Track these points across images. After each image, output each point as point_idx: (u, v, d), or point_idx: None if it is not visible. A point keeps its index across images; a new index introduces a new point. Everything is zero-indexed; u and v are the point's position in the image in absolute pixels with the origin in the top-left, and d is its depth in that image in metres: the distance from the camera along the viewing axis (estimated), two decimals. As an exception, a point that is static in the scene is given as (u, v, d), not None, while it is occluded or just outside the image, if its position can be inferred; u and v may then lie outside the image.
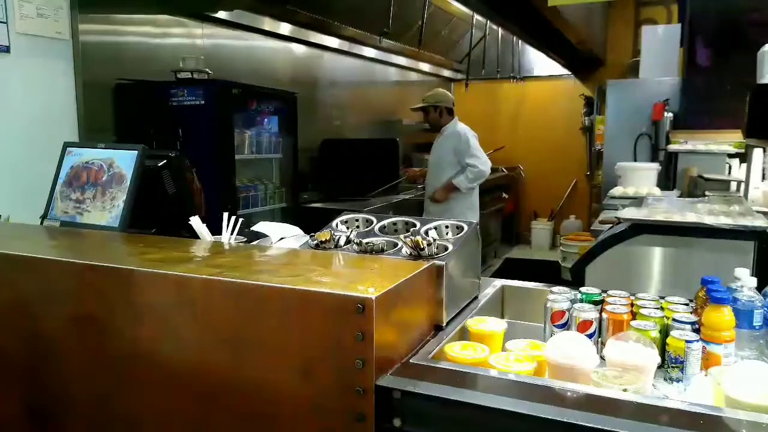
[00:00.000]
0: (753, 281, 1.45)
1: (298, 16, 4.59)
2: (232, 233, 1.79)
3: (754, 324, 1.39)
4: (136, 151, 1.93)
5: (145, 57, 3.57)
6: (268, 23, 4.55)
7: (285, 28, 4.74)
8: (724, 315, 1.33)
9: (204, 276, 1.34)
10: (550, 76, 7.95)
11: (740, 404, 1.09)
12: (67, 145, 2.15)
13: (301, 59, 5.16)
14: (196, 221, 1.75)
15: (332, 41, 5.35)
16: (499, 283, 1.92)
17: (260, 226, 1.75)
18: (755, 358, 1.37)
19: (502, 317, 1.85)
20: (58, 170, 2.11)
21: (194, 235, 1.81)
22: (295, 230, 1.76)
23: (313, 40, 5.12)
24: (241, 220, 1.81)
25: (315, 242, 1.61)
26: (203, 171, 2.44)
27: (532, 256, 7.76)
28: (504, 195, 7.55)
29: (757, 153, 3.99)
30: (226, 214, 1.81)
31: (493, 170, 7.41)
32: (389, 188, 5.12)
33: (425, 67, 7.36)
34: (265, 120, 3.91)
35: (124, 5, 3.43)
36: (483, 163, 4.23)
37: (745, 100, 3.43)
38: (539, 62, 7.86)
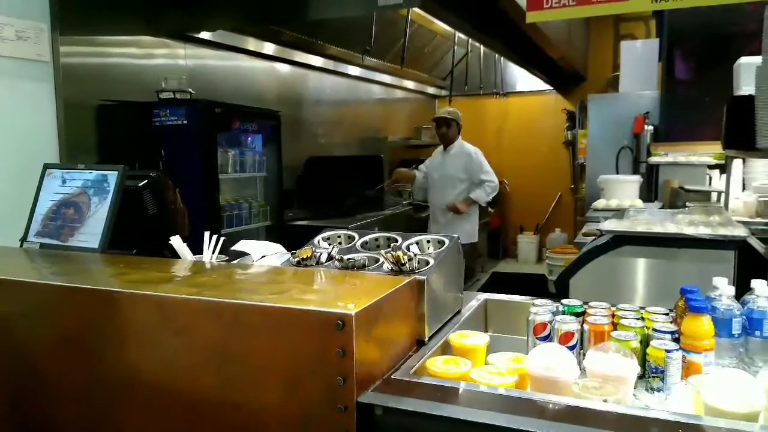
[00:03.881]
0: (731, 290, 1.46)
1: (282, 35, 4.63)
2: (213, 252, 1.78)
3: (733, 332, 1.41)
4: (117, 172, 1.93)
5: (129, 78, 3.58)
6: (252, 43, 4.58)
7: (269, 48, 4.77)
8: (703, 324, 1.34)
9: (184, 296, 1.33)
10: (533, 92, 8.04)
11: (719, 412, 1.10)
12: (47, 166, 2.14)
13: (286, 78, 5.19)
14: (176, 241, 1.74)
15: (316, 60, 5.39)
16: (482, 297, 1.93)
17: (241, 245, 1.74)
18: (735, 366, 1.38)
19: (486, 331, 1.85)
20: (38, 192, 2.10)
21: (176, 255, 1.81)
22: (277, 248, 1.76)
23: (297, 59, 5.15)
24: (222, 239, 1.81)
25: (296, 259, 1.61)
26: (187, 190, 2.44)
27: (518, 269, 7.78)
28: (490, 209, 7.58)
29: (737, 164, 4.05)
30: (207, 234, 1.81)
31: (479, 185, 7.52)
32: (374, 204, 5.13)
33: (409, 84, 7.42)
34: (249, 139, 3.91)
35: (107, 27, 3.43)
36: (495, 178, 4.64)
37: (723, 111, 3.49)
38: (522, 78, 7.95)
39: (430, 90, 8.11)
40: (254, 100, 4.32)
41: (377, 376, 1.27)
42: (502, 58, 7.45)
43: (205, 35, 4.08)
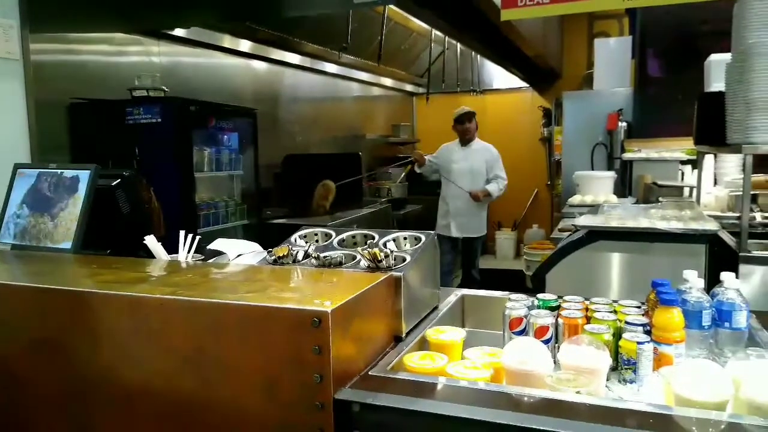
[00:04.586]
0: (701, 283, 1.49)
1: (258, 33, 4.59)
2: (189, 252, 1.77)
3: (703, 324, 1.44)
4: (89, 171, 1.90)
5: (101, 75, 3.52)
6: (227, 40, 4.54)
7: (245, 45, 4.73)
8: (674, 316, 1.37)
9: (159, 295, 1.32)
10: (509, 89, 8.10)
11: (689, 402, 1.12)
12: (17, 166, 2.10)
13: (263, 76, 5.16)
14: (150, 240, 1.73)
15: (293, 57, 5.36)
16: (459, 292, 1.94)
17: (217, 244, 1.73)
18: (705, 357, 1.41)
19: (463, 326, 1.86)
20: (9, 192, 2.05)
21: (151, 256, 1.79)
22: (254, 246, 1.75)
23: (273, 57, 5.12)
24: (198, 237, 1.80)
25: (273, 258, 1.60)
26: (162, 189, 2.41)
27: (497, 265, 7.84)
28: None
29: (708, 159, 4.13)
30: (182, 233, 1.79)
31: (457, 181, 7.56)
32: (354, 202, 5.12)
33: (387, 81, 7.43)
34: (225, 137, 3.88)
35: (79, 24, 3.37)
36: (506, 176, 5.06)
37: (694, 108, 3.56)
38: (498, 75, 8.00)
39: (408, 87, 8.12)
40: (230, 98, 4.29)
41: (354, 373, 1.27)
42: (478, 56, 7.49)
43: (179, 32, 4.03)
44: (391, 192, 6.15)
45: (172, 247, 1.82)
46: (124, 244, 1.94)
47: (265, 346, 1.22)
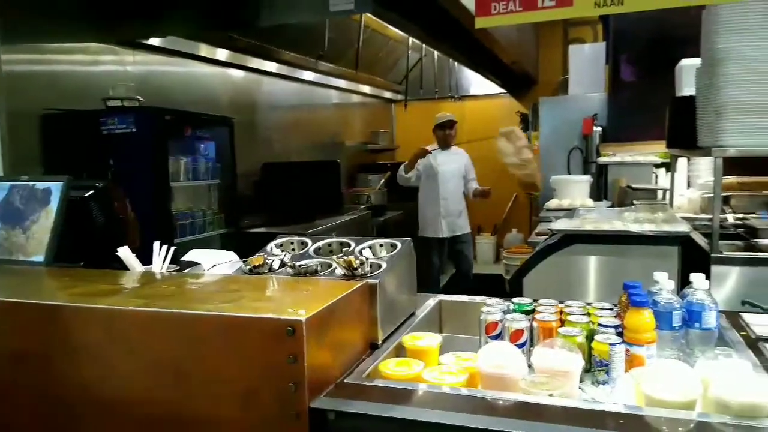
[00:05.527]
0: (671, 284, 1.52)
1: (235, 41, 4.58)
2: (163, 262, 1.76)
3: (674, 325, 1.46)
4: (61, 183, 1.88)
5: (75, 86, 3.48)
6: (204, 49, 4.52)
7: (222, 54, 4.72)
8: (645, 318, 1.39)
9: (133, 307, 1.31)
10: (487, 95, 8.16)
11: (659, 402, 1.14)
12: (-13, 178, 2.07)
13: (240, 84, 5.14)
14: (124, 252, 1.71)
15: (271, 66, 5.35)
16: (436, 298, 1.95)
17: (192, 254, 1.72)
18: (676, 357, 1.43)
19: (441, 332, 1.87)
20: (-22, 205, 2.02)
21: (125, 267, 1.77)
22: (230, 256, 1.74)
23: (251, 65, 5.11)
24: (173, 248, 1.78)
25: (248, 267, 1.60)
26: (138, 200, 2.39)
27: (477, 270, 7.83)
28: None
29: (681, 162, 4.21)
30: (157, 243, 1.78)
31: (437, 187, 7.59)
32: (333, 210, 5.12)
33: (365, 88, 7.45)
34: (202, 146, 3.86)
35: (52, 34, 3.33)
36: None
37: (666, 112, 3.63)
38: (476, 82, 8.06)
39: (387, 94, 8.16)
40: (207, 107, 4.26)
41: (330, 381, 1.27)
42: (456, 63, 7.55)
43: (154, 41, 4.01)
44: (370, 199, 6.15)
45: (149, 258, 1.81)
46: (98, 256, 1.92)
47: (240, 357, 1.22)
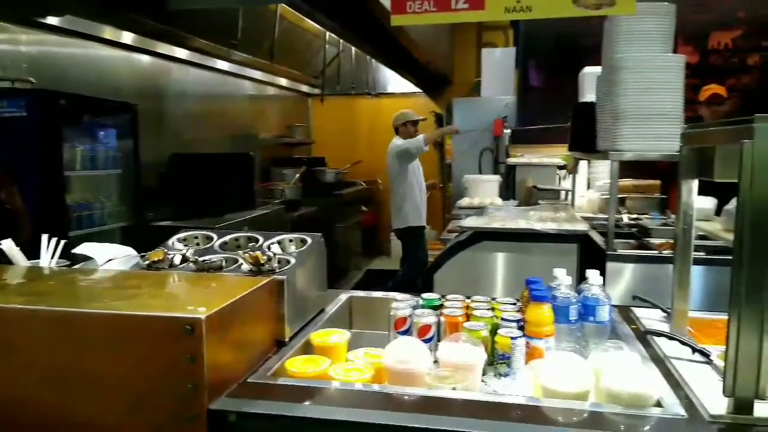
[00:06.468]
0: (569, 280, 1.59)
1: (143, 25, 4.33)
2: (52, 257, 1.63)
3: (571, 318, 1.53)
4: (-67, 168, 1.70)
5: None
6: (108, 32, 4.24)
7: (128, 37, 4.45)
8: (544, 312, 1.45)
9: (14, 305, 1.21)
10: (404, 93, 8.25)
11: (555, 393, 1.19)
12: None
13: (147, 70, 4.88)
14: (8, 245, 1.57)
15: (181, 52, 5.12)
16: (346, 294, 1.94)
17: (84, 248, 1.60)
18: (572, 350, 1.50)
19: (351, 328, 1.86)
20: None
21: (9, 261, 1.62)
22: (127, 251, 1.64)
23: (160, 51, 4.86)
24: (63, 242, 1.66)
25: (147, 263, 1.51)
26: (28, 189, 2.22)
27: (392, 266, 7.94)
28: (363, 208, 7.69)
29: (583, 164, 4.44)
30: (45, 236, 1.65)
31: (352, 184, 7.59)
32: (245, 204, 4.98)
33: (282, 81, 7.31)
34: (102, 133, 3.62)
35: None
36: None
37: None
38: (393, 80, 8.13)
39: (304, 88, 8.05)
40: (110, 93, 4.01)
41: (233, 381, 1.23)
42: (373, 60, 7.57)
43: (52, 20, 3.72)
44: (285, 193, 6.05)
45: (39, 253, 1.67)
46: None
47: (133, 358, 1.15)
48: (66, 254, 1.70)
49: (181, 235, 1.72)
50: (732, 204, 2.83)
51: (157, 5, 3.66)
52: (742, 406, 1.08)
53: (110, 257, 1.59)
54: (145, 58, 4.83)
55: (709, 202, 3.42)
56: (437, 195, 8.20)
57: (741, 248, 1.05)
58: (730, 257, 1.07)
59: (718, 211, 3.34)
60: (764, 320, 1.05)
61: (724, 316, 1.10)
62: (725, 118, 1.59)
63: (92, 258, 1.58)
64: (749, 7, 5.15)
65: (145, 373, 1.14)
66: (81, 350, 1.17)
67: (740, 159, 1.05)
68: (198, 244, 1.71)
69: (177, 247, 1.63)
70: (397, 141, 5.25)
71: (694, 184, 1.55)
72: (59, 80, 3.61)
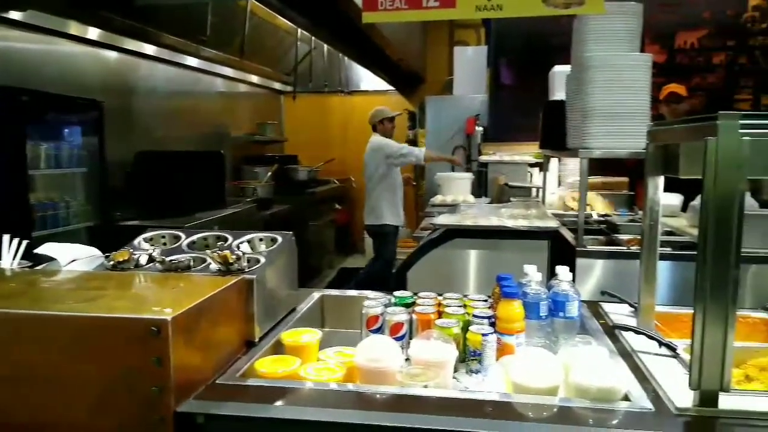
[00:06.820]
0: (539, 276, 1.60)
1: (110, 21, 4.23)
2: (14, 258, 1.58)
3: (541, 314, 1.54)
4: None
5: None
6: (74, 27, 4.13)
7: (94, 33, 4.35)
8: (515, 308, 1.45)
9: (-30, 308, 1.16)
10: (377, 91, 8.24)
11: (525, 389, 1.20)
12: None
13: (114, 67, 4.77)
14: (-34, 246, 1.52)
15: (149, 48, 5.02)
16: (318, 293, 1.92)
17: (46, 248, 1.56)
18: (542, 345, 1.51)
19: (323, 327, 1.85)
20: None
21: (-33, 263, 1.57)
22: (91, 251, 1.60)
23: (127, 47, 4.76)
24: (26, 242, 1.61)
25: (112, 263, 1.48)
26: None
27: (365, 264, 7.95)
28: (337, 206, 7.66)
29: (553, 162, 4.49)
30: (7, 237, 1.60)
31: (325, 182, 7.56)
32: (216, 203, 4.91)
33: (253, 78, 7.22)
34: (67, 131, 3.53)
35: None
36: None
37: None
38: (366, 77, 8.11)
39: (276, 85, 7.97)
40: (76, 89, 3.91)
41: (201, 383, 1.21)
42: (345, 57, 7.54)
43: (14, 15, 3.61)
44: (257, 192, 5.99)
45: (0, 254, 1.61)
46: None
47: (97, 361, 1.12)
48: (28, 255, 1.65)
49: (148, 234, 1.69)
50: (698, 200, 2.90)
51: (125, 0, 3.59)
52: (707, 398, 1.10)
53: (74, 258, 1.54)
54: (112, 55, 4.72)
55: (675, 199, 3.50)
56: (410, 192, 8.22)
57: (705, 244, 1.07)
58: (696, 253, 1.09)
59: (685, 208, 3.42)
60: (728, 314, 1.07)
61: (689, 311, 1.12)
62: (686, 116, 1.62)
63: (55, 259, 1.54)
64: (714, 8, 5.27)
65: (110, 375, 1.11)
66: (43, 353, 1.14)
67: (704, 156, 1.06)
68: (165, 244, 1.68)
69: (143, 247, 1.60)
70: (380, 140, 5.23)
71: (660, 180, 1.57)
72: (22, 77, 3.51)
